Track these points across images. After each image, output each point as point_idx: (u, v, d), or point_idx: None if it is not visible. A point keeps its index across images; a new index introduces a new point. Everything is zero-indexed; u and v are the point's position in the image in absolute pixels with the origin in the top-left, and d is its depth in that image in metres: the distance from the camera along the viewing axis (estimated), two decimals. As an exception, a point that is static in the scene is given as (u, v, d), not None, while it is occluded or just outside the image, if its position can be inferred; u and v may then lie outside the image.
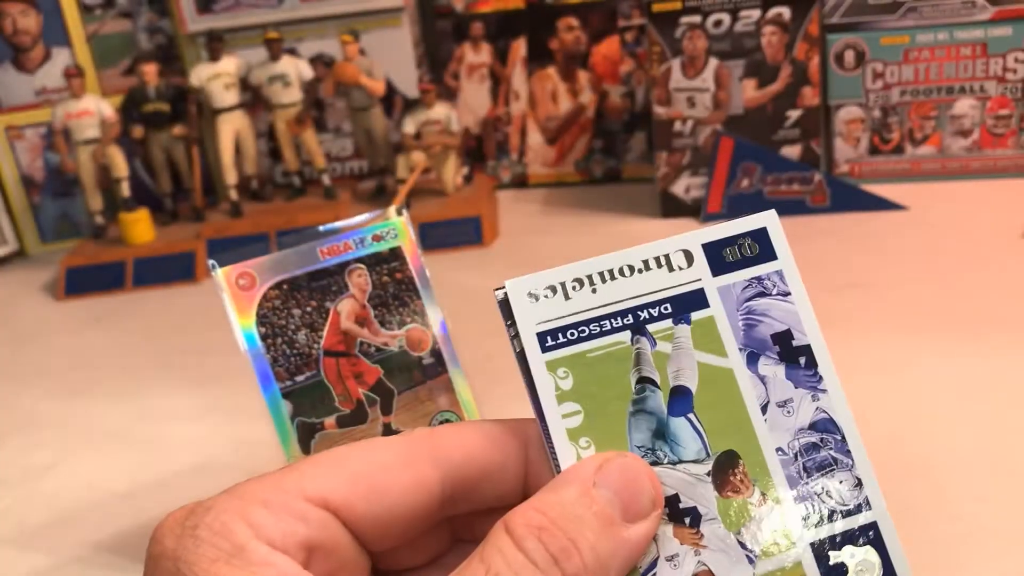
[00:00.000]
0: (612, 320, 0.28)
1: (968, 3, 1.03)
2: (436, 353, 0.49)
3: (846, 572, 0.27)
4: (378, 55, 1.23)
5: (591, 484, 0.25)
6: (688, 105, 1.08)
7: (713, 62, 1.06)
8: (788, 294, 0.28)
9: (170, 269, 1.10)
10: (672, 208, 1.10)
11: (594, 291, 0.28)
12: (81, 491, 0.65)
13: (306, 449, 0.47)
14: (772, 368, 0.28)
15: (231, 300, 0.47)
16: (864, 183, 1.08)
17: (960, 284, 0.81)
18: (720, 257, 0.28)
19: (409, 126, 1.16)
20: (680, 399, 0.28)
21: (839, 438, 0.27)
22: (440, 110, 1.16)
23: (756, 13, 1.04)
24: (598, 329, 0.28)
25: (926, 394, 0.64)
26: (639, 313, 0.28)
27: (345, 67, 1.16)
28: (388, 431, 0.48)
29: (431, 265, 0.50)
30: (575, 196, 1.23)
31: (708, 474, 0.27)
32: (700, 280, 0.28)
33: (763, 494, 0.27)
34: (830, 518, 0.27)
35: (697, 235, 0.29)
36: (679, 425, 0.27)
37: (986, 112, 1.06)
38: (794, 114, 1.07)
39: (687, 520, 0.27)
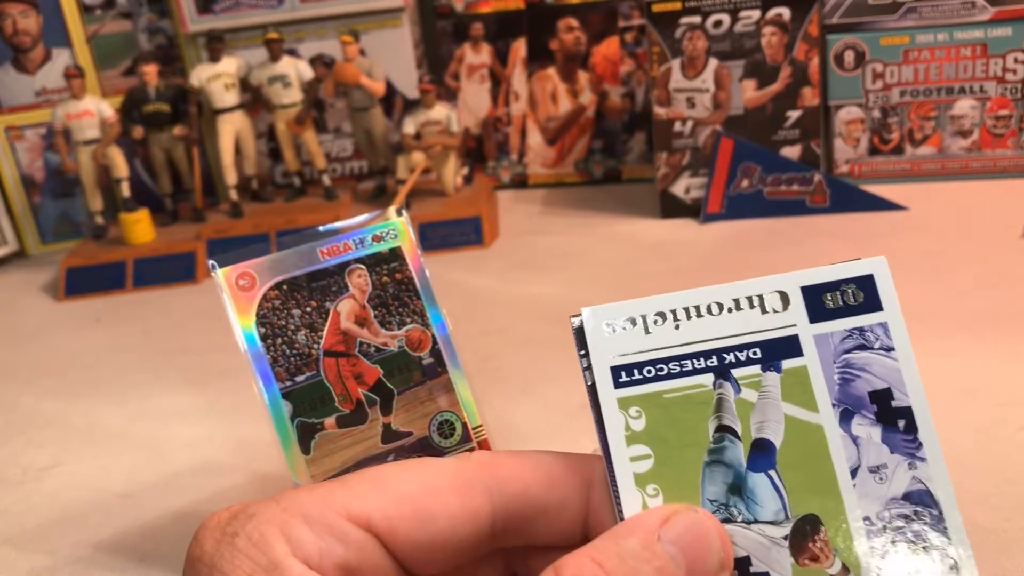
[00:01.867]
0: (694, 360, 0.26)
1: (968, 3, 1.03)
2: (436, 353, 0.49)
3: None
4: (378, 55, 1.23)
5: (655, 537, 0.24)
6: (688, 105, 1.08)
7: (713, 62, 1.06)
8: (892, 349, 0.26)
9: (170, 269, 1.10)
10: (672, 208, 1.10)
11: (677, 327, 0.26)
12: (81, 491, 0.65)
13: (306, 449, 0.47)
14: (867, 429, 0.25)
15: (231, 300, 0.47)
16: (864, 183, 1.08)
17: (960, 284, 0.81)
18: (820, 302, 0.26)
19: (409, 126, 1.16)
20: (762, 453, 0.25)
21: (936, 513, 0.25)
22: (440, 110, 1.16)
23: (756, 13, 1.04)
24: (678, 368, 0.26)
25: (926, 393, 0.64)
26: (725, 356, 0.26)
27: (345, 67, 1.16)
28: (388, 431, 0.48)
29: (431, 265, 0.50)
30: (575, 196, 1.23)
31: (785, 538, 0.25)
32: (795, 326, 0.26)
33: (844, 567, 0.25)
34: None
35: (797, 277, 0.26)
36: (758, 481, 0.25)
37: (986, 112, 1.06)
38: (794, 114, 1.07)
39: None
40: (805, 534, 0.25)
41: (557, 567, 0.23)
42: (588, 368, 0.26)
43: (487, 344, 0.77)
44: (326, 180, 1.23)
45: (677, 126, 1.09)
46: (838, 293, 0.26)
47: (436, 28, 1.28)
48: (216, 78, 1.18)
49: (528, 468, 0.27)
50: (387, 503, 0.25)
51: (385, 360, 0.49)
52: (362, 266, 0.49)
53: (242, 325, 0.47)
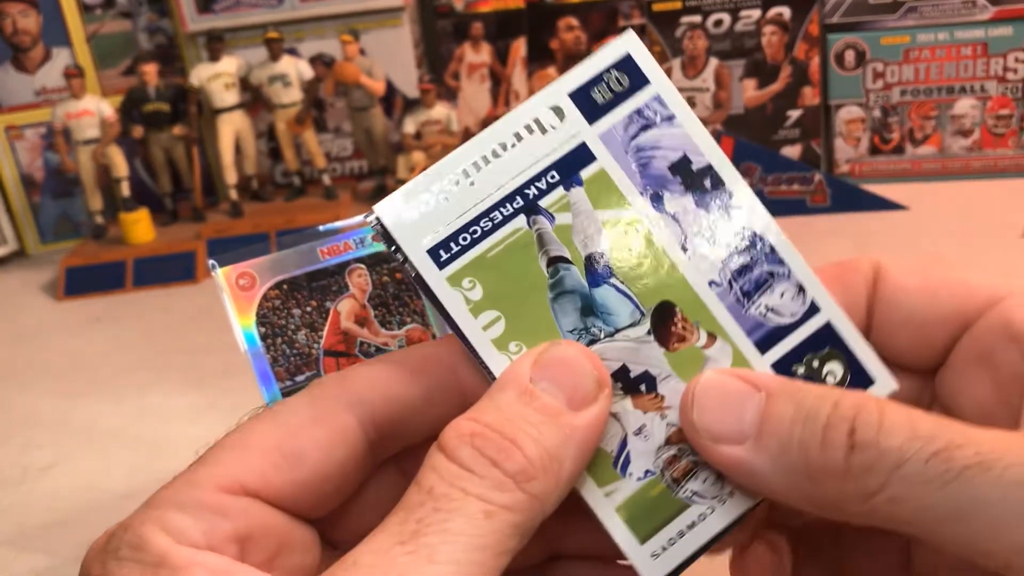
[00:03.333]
0: (501, 209, 0.25)
1: (968, 3, 1.03)
2: (436, 353, 0.49)
3: (818, 382, 0.25)
4: (378, 55, 1.23)
5: (528, 381, 0.24)
6: (688, 105, 1.08)
7: (713, 62, 1.06)
8: (672, 117, 0.26)
9: (170, 269, 1.10)
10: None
11: (472, 184, 0.26)
12: (81, 491, 0.65)
13: (306, 449, 0.47)
14: (679, 201, 0.26)
15: (231, 300, 0.47)
16: (864, 183, 1.08)
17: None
18: (591, 102, 0.26)
19: (409, 126, 1.16)
20: (596, 267, 0.25)
21: (767, 250, 0.26)
22: (440, 110, 1.16)
23: (756, 13, 1.04)
24: (490, 224, 0.25)
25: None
26: (526, 191, 0.25)
27: (345, 67, 1.16)
28: (388, 431, 0.48)
29: (431, 265, 0.50)
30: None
31: (649, 333, 0.25)
32: (578, 133, 0.26)
33: (710, 334, 0.25)
34: (782, 334, 0.25)
35: (559, 85, 0.26)
36: (604, 294, 0.25)
37: (986, 112, 1.06)
38: (794, 114, 1.07)
39: (643, 387, 0.25)
40: (664, 322, 0.25)
41: (438, 438, 0.23)
42: (406, 261, 0.26)
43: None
44: (326, 180, 1.23)
45: (677, 125, 1.09)
46: (604, 85, 0.26)
47: (436, 27, 1.28)
48: (216, 77, 1.18)
49: (382, 372, 0.27)
50: (254, 461, 0.24)
51: (385, 360, 0.49)
52: (362, 266, 0.49)
53: (242, 325, 0.47)
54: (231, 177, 1.19)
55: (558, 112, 0.26)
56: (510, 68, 1.27)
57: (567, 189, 0.25)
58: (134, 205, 1.16)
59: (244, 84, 1.20)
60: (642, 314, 0.25)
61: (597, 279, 0.25)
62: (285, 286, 0.48)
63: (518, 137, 0.26)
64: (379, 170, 1.22)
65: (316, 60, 1.24)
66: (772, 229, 0.26)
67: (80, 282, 1.10)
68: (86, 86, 1.16)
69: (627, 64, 0.26)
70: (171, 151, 1.21)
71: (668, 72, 1.07)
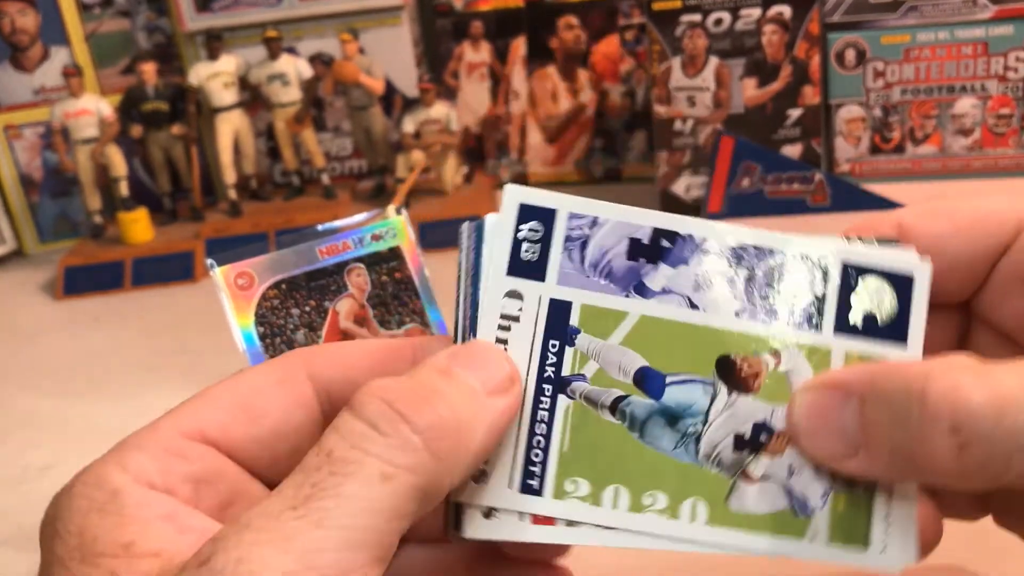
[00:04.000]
0: (540, 408, 0.26)
1: (969, 2, 1.03)
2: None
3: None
4: (377, 54, 1.23)
5: (446, 365, 0.24)
6: (688, 104, 1.08)
7: (713, 61, 1.06)
8: (595, 219, 0.27)
9: (169, 269, 1.10)
10: (672, 207, 1.10)
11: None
12: (79, 491, 0.65)
13: (305, 450, 0.47)
14: (658, 276, 0.26)
15: (230, 300, 0.47)
16: (865, 182, 1.08)
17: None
18: (528, 265, 0.26)
19: (408, 125, 1.15)
20: (647, 380, 0.25)
21: (752, 251, 0.26)
22: (440, 109, 1.15)
23: (756, 12, 1.04)
24: (544, 427, 0.26)
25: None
26: (545, 374, 0.26)
27: (344, 66, 1.16)
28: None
29: (431, 265, 0.50)
30: (575, 195, 1.22)
31: (730, 392, 0.25)
32: (540, 297, 0.26)
33: (773, 352, 0.25)
34: (820, 303, 0.26)
35: (494, 283, 0.26)
36: (672, 394, 0.25)
37: (987, 111, 1.06)
38: (795, 113, 1.07)
39: (763, 437, 0.25)
40: (731, 373, 0.25)
41: (350, 399, 0.23)
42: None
43: (487, 343, 0.77)
44: (325, 179, 1.22)
45: (677, 125, 1.09)
46: (526, 243, 0.26)
47: (435, 26, 1.28)
48: (215, 77, 1.17)
49: (348, 352, 0.27)
50: (216, 413, 0.25)
51: (384, 360, 0.48)
52: (361, 265, 0.49)
53: (241, 324, 0.47)
54: (230, 176, 1.19)
55: (513, 295, 0.26)
56: (510, 67, 1.26)
57: (572, 344, 0.26)
58: (133, 204, 1.16)
59: (243, 83, 1.20)
60: (711, 383, 0.25)
61: (656, 388, 0.25)
62: (284, 286, 0.48)
63: (503, 343, 0.26)
64: (378, 169, 1.22)
65: (315, 59, 1.24)
66: (741, 233, 0.26)
67: (79, 281, 1.09)
68: (85, 85, 1.16)
69: (528, 212, 0.26)
70: (170, 150, 1.21)
71: (668, 71, 1.07)
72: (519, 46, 1.26)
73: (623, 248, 0.26)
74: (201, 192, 1.22)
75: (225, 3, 1.23)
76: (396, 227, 0.49)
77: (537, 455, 0.25)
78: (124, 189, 1.17)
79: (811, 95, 1.06)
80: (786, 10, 1.03)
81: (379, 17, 1.24)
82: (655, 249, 0.26)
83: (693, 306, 0.26)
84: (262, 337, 0.47)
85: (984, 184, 1.06)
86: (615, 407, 0.25)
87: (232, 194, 1.19)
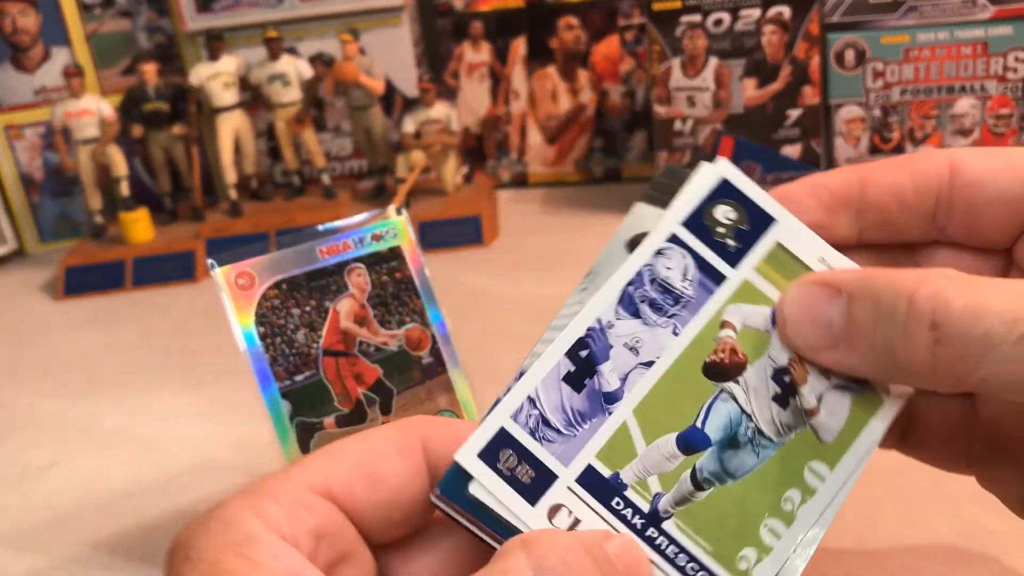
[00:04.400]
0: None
1: (969, 2, 1.03)
2: (435, 353, 0.49)
3: None
4: (378, 54, 1.23)
5: (601, 541, 0.24)
6: (688, 104, 1.08)
7: (713, 61, 1.06)
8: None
9: (169, 269, 1.10)
10: (672, 207, 1.10)
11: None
12: (80, 491, 0.65)
13: (305, 449, 0.47)
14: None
15: (230, 300, 0.47)
16: (864, 182, 1.08)
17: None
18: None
19: (409, 125, 1.16)
20: (688, 439, 0.27)
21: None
22: (440, 109, 1.15)
23: (756, 12, 1.04)
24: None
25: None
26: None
27: (345, 66, 1.16)
28: (387, 431, 0.48)
29: (431, 264, 0.50)
30: (575, 195, 1.22)
31: (736, 382, 0.27)
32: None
33: (722, 324, 0.27)
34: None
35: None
36: (712, 427, 0.27)
37: (987, 111, 1.06)
38: (794, 113, 1.07)
39: (788, 380, 0.27)
40: (717, 371, 0.27)
41: (527, 539, 0.24)
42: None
43: (487, 344, 0.77)
44: (325, 179, 1.22)
45: (677, 125, 1.09)
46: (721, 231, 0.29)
47: (436, 27, 1.28)
48: (215, 77, 1.18)
49: (463, 428, 0.28)
50: (342, 471, 0.26)
51: (384, 359, 0.48)
52: (361, 265, 0.49)
53: (241, 324, 0.47)
54: (230, 176, 1.19)
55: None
56: (510, 67, 1.27)
57: (625, 488, 0.27)
58: (133, 204, 1.16)
59: (243, 83, 1.20)
60: (720, 391, 0.27)
61: (701, 439, 0.27)
62: (284, 285, 0.48)
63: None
64: (378, 169, 1.22)
65: (316, 59, 1.24)
66: (612, 290, 0.27)
67: (79, 281, 1.10)
68: (85, 85, 1.16)
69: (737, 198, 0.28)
70: (170, 150, 1.21)
71: (668, 71, 1.07)
72: (519, 46, 1.26)
73: (566, 393, 0.27)
74: (202, 192, 1.22)
75: (226, 3, 1.23)
76: (396, 227, 0.49)
77: (695, 568, 0.26)
78: (125, 189, 1.17)
79: (811, 95, 1.06)
80: (786, 10, 1.04)
81: (379, 17, 1.24)
82: (583, 364, 0.27)
83: (648, 364, 0.27)
84: (263, 337, 0.47)
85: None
86: (697, 483, 0.26)
87: (233, 194, 1.19)
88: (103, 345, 0.93)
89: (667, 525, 0.26)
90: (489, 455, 0.26)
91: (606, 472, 0.26)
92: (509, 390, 0.27)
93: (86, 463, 0.70)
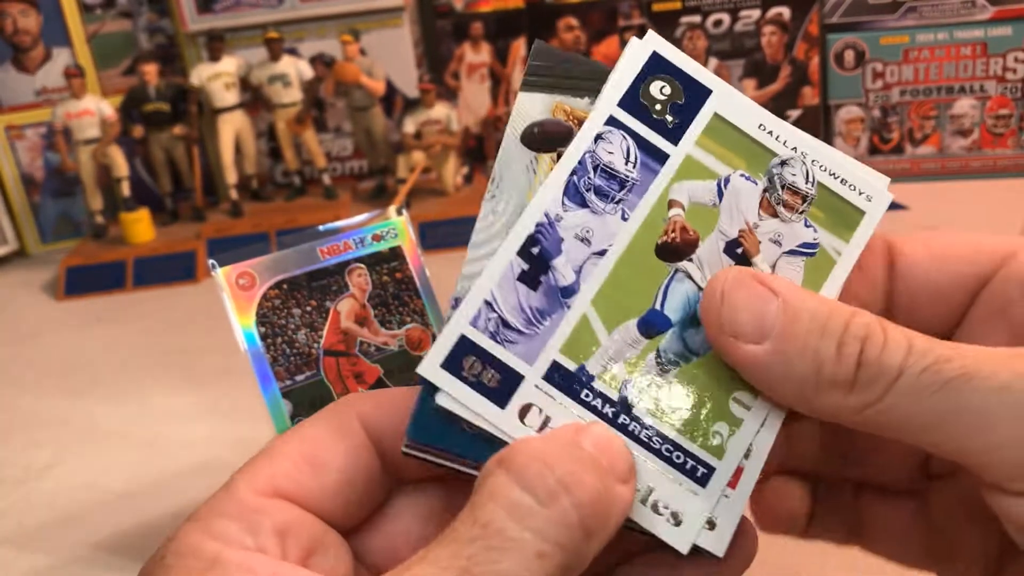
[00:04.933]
0: None
1: (968, 3, 1.03)
2: (436, 353, 0.49)
3: None
4: (378, 55, 1.23)
5: (577, 437, 0.24)
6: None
7: (713, 62, 1.06)
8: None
9: (170, 269, 1.10)
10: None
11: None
12: (81, 491, 0.65)
13: (306, 449, 0.47)
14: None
15: (231, 300, 0.47)
16: (864, 183, 1.08)
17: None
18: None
19: (409, 126, 1.16)
20: (648, 322, 0.26)
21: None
22: (440, 110, 1.16)
23: (756, 13, 1.04)
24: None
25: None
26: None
27: (345, 67, 1.16)
28: (388, 431, 0.48)
29: (431, 265, 0.50)
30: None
31: (690, 260, 0.27)
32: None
33: (670, 203, 0.27)
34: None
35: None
36: (671, 307, 0.26)
37: (986, 112, 1.06)
38: (794, 114, 1.07)
39: (740, 251, 0.27)
40: (671, 251, 0.27)
41: (499, 456, 0.23)
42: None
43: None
44: (326, 179, 1.23)
45: (677, 125, 1.09)
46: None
47: (436, 27, 1.28)
48: (216, 77, 1.18)
49: (392, 396, 0.28)
50: (282, 467, 0.26)
51: (385, 359, 0.49)
52: (362, 265, 0.49)
53: (242, 324, 0.47)
54: (231, 177, 1.19)
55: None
56: (510, 68, 1.27)
57: (592, 381, 0.26)
58: (134, 205, 1.16)
59: (244, 84, 1.20)
60: (675, 272, 0.27)
61: (662, 320, 0.27)
62: (285, 286, 0.48)
63: None
64: (379, 170, 1.22)
65: (316, 60, 1.24)
66: (555, 186, 0.27)
67: (80, 282, 1.10)
68: (86, 86, 1.16)
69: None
70: (171, 151, 1.21)
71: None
72: (519, 47, 1.26)
73: (522, 292, 0.26)
74: (202, 192, 1.22)
75: (226, 4, 1.23)
76: (397, 227, 0.50)
77: (669, 449, 0.26)
78: (126, 189, 1.17)
79: (810, 96, 1.06)
80: (785, 11, 1.04)
81: (380, 18, 1.24)
82: (536, 261, 0.26)
83: (601, 253, 0.26)
84: (263, 337, 0.47)
85: (983, 184, 1.06)
86: (663, 367, 0.26)
87: (233, 194, 1.19)
88: (103, 345, 0.93)
89: (637, 411, 0.26)
90: (452, 364, 0.25)
91: (572, 366, 0.26)
92: (454, 305, 0.26)
93: (87, 463, 0.70)
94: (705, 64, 1.07)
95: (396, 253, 0.49)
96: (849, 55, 1.08)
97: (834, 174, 0.28)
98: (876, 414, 0.23)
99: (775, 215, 0.27)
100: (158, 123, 1.19)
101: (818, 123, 1.07)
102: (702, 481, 0.25)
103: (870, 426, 0.24)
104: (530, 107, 0.27)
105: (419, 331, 0.49)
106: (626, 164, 0.26)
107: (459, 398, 0.25)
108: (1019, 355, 0.22)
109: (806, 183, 0.27)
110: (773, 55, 1.05)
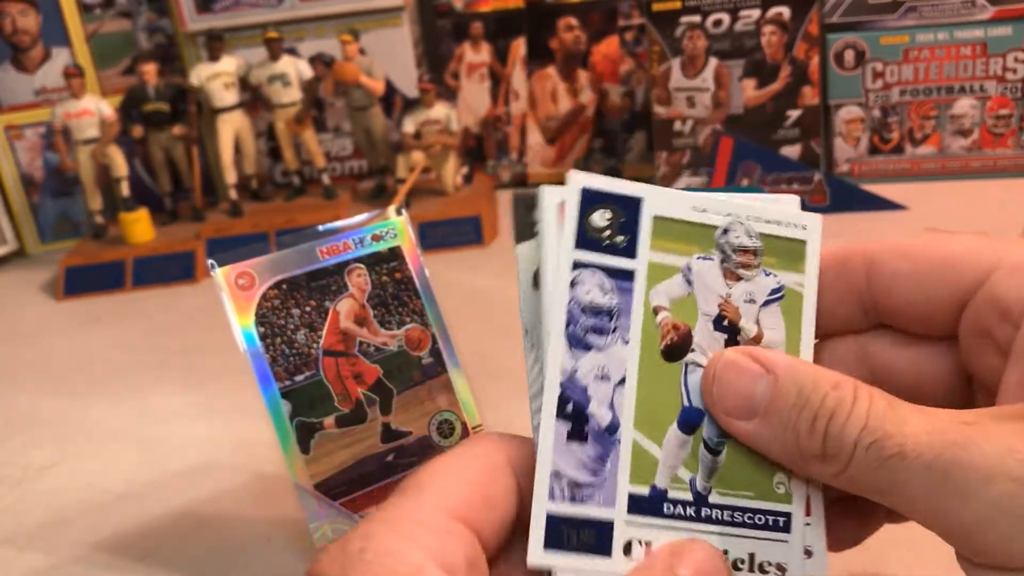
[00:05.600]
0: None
1: (968, 3, 1.03)
2: (435, 353, 0.49)
3: None
4: (378, 55, 1.23)
5: (672, 561, 0.26)
6: (688, 105, 1.08)
7: (713, 62, 1.06)
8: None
9: (170, 269, 1.10)
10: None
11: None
12: (81, 491, 0.65)
13: (305, 449, 0.47)
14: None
15: (230, 300, 0.47)
16: (864, 183, 1.08)
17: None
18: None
19: (409, 126, 1.16)
20: (685, 419, 0.29)
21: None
22: (440, 110, 1.16)
23: (756, 13, 1.04)
24: None
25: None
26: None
27: (345, 67, 1.16)
28: (387, 431, 0.48)
29: (430, 265, 0.50)
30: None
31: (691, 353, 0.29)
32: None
33: (655, 308, 0.29)
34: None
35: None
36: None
37: (986, 112, 1.06)
38: (794, 113, 1.07)
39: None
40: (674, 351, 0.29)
41: None
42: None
43: (487, 344, 0.77)
44: (326, 179, 1.23)
45: (677, 125, 1.09)
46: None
47: (436, 27, 1.28)
48: (216, 77, 1.18)
49: (527, 445, 0.28)
50: (463, 493, 0.26)
51: (384, 359, 0.49)
52: (361, 265, 0.49)
53: (241, 324, 0.47)
54: (231, 177, 1.19)
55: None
56: (510, 68, 1.27)
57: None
58: (134, 205, 1.16)
59: (244, 84, 1.20)
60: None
61: (695, 415, 0.29)
62: (284, 286, 0.48)
63: None
64: (379, 170, 1.22)
65: (316, 60, 1.24)
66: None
67: (80, 282, 1.10)
68: (86, 86, 1.16)
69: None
70: (171, 151, 1.21)
71: (668, 72, 1.07)
72: (519, 47, 1.26)
73: (576, 448, 0.28)
74: (202, 192, 1.22)
75: (226, 4, 1.23)
76: (396, 227, 0.50)
77: (750, 517, 0.29)
78: (125, 189, 1.17)
79: (810, 95, 1.06)
80: (785, 11, 1.04)
81: (379, 18, 1.24)
82: (575, 417, 0.28)
83: (622, 381, 0.28)
84: (263, 337, 0.47)
85: (983, 184, 1.06)
86: (712, 450, 0.28)
87: (233, 194, 1.19)
88: (103, 345, 0.93)
89: (712, 498, 0.28)
90: (552, 542, 0.27)
91: (645, 490, 0.28)
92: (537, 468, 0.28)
93: (86, 463, 0.70)
94: (705, 64, 1.07)
95: (395, 253, 0.49)
96: (849, 55, 1.07)
97: (767, 220, 0.30)
98: (847, 480, 0.25)
99: (739, 279, 0.30)
100: (157, 123, 1.19)
101: (818, 123, 1.07)
102: (786, 528, 0.28)
103: (847, 489, 0.26)
104: (530, 255, 0.30)
105: (418, 331, 0.49)
106: (605, 296, 0.29)
107: (570, 568, 0.27)
108: (950, 429, 0.24)
109: (750, 239, 0.30)
110: (773, 55, 1.05)
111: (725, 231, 0.30)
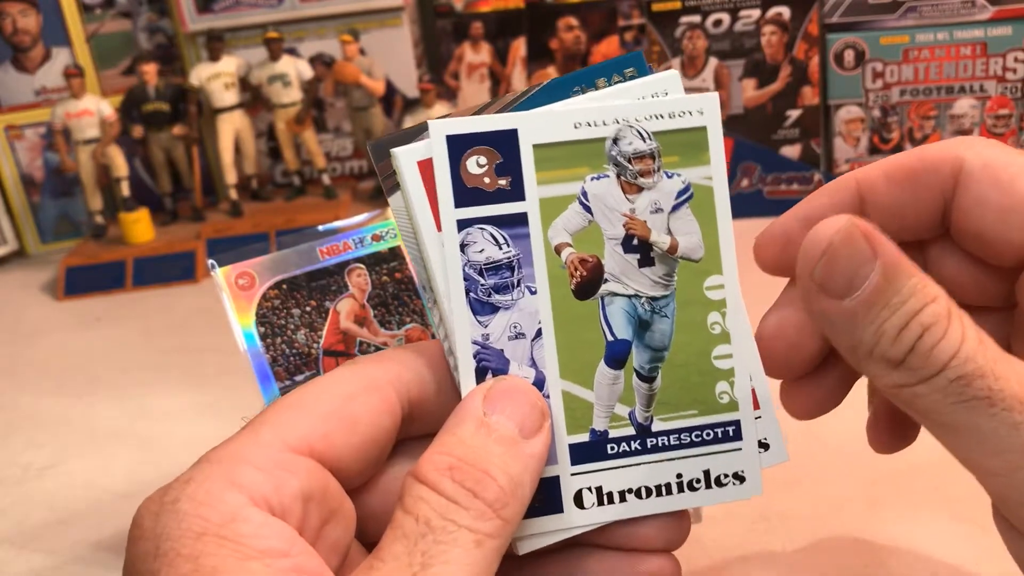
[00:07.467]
0: None
1: (968, 3, 1.03)
2: (436, 353, 0.49)
3: None
4: (378, 55, 1.23)
5: (482, 415, 0.25)
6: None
7: (713, 62, 1.06)
8: None
9: (170, 269, 1.10)
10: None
11: None
12: (81, 491, 0.65)
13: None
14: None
15: (230, 300, 0.47)
16: (864, 183, 1.08)
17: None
18: None
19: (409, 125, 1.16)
20: (611, 352, 0.27)
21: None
22: (440, 110, 1.16)
23: (756, 13, 1.04)
24: None
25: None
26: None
27: (345, 67, 1.16)
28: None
29: (430, 265, 0.50)
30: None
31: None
32: None
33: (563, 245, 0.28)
34: None
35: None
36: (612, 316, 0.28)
37: (986, 112, 1.06)
38: (794, 114, 1.07)
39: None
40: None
41: (414, 471, 0.24)
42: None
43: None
44: (326, 179, 1.23)
45: (677, 125, 1.09)
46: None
47: (436, 27, 1.28)
48: (216, 77, 1.18)
49: (412, 355, 0.28)
50: (316, 422, 0.25)
51: (385, 359, 0.49)
52: (362, 265, 0.49)
53: (241, 324, 0.47)
54: (231, 177, 1.19)
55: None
56: (510, 68, 1.27)
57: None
58: (134, 205, 1.16)
59: (244, 84, 1.20)
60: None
61: (620, 346, 0.28)
62: (284, 286, 0.48)
63: None
64: (379, 170, 1.22)
65: (316, 60, 1.24)
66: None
67: (80, 282, 1.10)
68: (86, 86, 1.16)
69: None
70: (171, 151, 1.21)
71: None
72: (519, 47, 1.26)
73: None
74: (202, 192, 1.22)
75: (226, 4, 1.23)
76: (396, 227, 0.50)
77: (699, 435, 0.27)
78: (125, 189, 1.17)
79: (810, 96, 1.06)
80: (785, 11, 1.04)
81: (379, 18, 1.24)
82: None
83: (539, 334, 0.27)
84: (263, 337, 0.47)
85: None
86: (646, 378, 0.27)
87: (233, 194, 1.19)
88: (103, 345, 0.93)
89: (656, 426, 0.27)
90: None
91: (584, 437, 0.27)
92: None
93: (87, 463, 0.70)
94: (705, 64, 1.07)
95: (395, 253, 0.49)
96: (849, 55, 1.08)
97: (659, 115, 0.27)
98: (910, 395, 0.24)
99: (640, 189, 0.27)
100: (158, 123, 1.19)
101: (818, 123, 1.07)
102: (736, 436, 0.27)
103: (899, 402, 0.24)
104: (403, 205, 0.27)
105: (419, 331, 0.49)
106: (500, 249, 0.26)
107: (527, 535, 0.26)
108: None
109: (644, 143, 0.27)
110: (773, 55, 1.05)
111: (615, 140, 0.27)
